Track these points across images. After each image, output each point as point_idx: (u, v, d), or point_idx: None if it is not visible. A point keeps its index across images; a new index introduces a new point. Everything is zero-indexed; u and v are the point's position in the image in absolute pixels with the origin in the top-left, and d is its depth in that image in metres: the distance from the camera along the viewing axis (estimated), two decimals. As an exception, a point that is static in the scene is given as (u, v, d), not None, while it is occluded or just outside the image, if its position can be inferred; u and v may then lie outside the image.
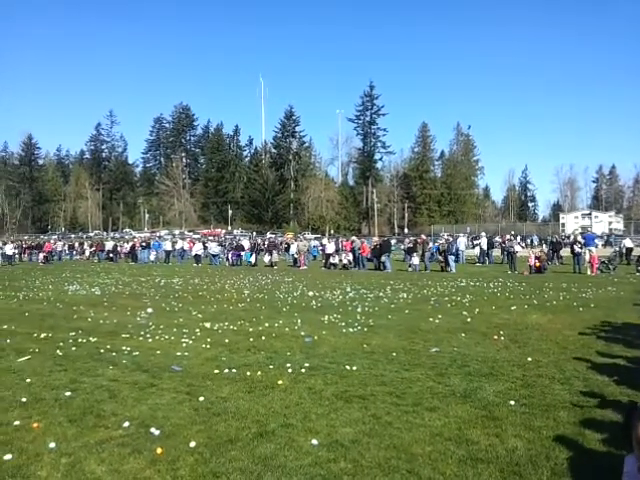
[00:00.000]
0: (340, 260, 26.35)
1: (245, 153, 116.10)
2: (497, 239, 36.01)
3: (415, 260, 24.43)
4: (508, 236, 36.65)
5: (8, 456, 3.77)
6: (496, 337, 8.00)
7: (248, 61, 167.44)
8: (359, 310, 11.01)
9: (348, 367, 6.20)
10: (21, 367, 6.45)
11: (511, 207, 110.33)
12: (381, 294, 14.05)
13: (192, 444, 3.96)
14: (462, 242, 30.71)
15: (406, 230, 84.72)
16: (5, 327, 9.40)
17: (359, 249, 25.92)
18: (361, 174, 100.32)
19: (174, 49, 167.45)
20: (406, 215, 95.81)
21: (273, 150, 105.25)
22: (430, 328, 8.91)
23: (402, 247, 32.80)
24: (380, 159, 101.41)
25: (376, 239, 31.40)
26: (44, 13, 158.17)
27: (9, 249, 35.03)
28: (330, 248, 27.80)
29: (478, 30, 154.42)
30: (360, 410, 4.75)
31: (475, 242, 35.28)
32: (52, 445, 3.96)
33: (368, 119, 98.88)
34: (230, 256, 31.21)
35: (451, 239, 32.03)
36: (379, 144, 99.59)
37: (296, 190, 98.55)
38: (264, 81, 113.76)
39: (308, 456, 3.78)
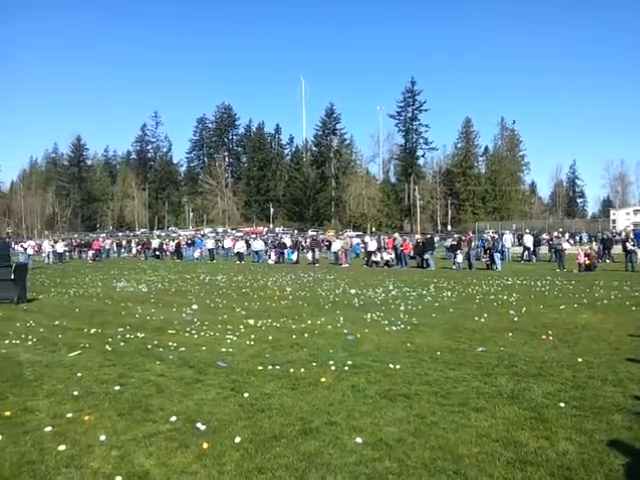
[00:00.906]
0: (382, 258, 26.18)
1: (286, 151, 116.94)
2: (544, 236, 35.03)
3: (459, 258, 24.03)
4: (556, 233, 35.56)
5: (62, 447, 3.91)
6: (544, 337, 7.78)
7: (288, 60, 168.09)
8: (402, 308, 10.90)
9: (392, 365, 6.14)
10: (72, 361, 6.67)
11: (558, 203, 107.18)
12: (424, 292, 13.89)
13: (237, 440, 4.00)
14: (508, 239, 30.01)
15: (449, 227, 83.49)
16: (57, 323, 9.73)
17: (401, 246, 25.69)
18: (403, 171, 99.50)
19: (216, 50, 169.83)
20: (449, 212, 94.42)
21: (314, 148, 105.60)
22: (475, 327, 8.74)
23: (445, 244, 32.30)
24: (422, 155, 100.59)
25: (418, 236, 31.00)
26: (92, 16, 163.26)
27: (60, 247, 36.35)
28: (372, 246, 27.64)
29: (522, 25, 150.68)
30: (404, 409, 4.70)
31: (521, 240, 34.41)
32: (102, 438, 4.08)
33: (410, 115, 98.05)
34: (273, 254, 31.47)
35: (496, 236, 31.36)
36: (421, 140, 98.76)
37: (337, 188, 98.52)
38: (304, 80, 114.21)
39: (352, 454, 3.77)
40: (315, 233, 68.89)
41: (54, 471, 3.55)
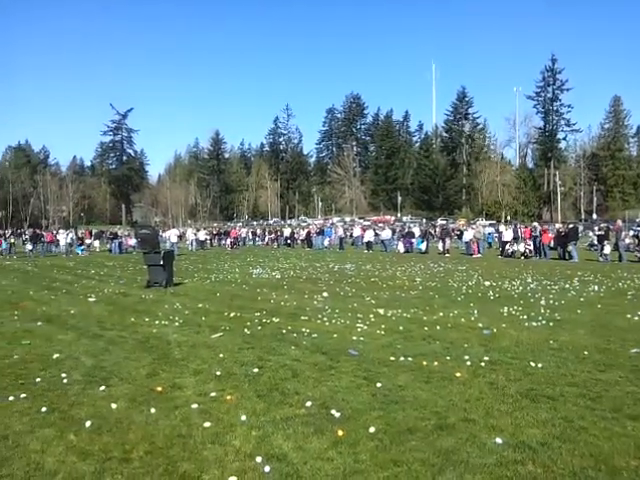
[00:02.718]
0: (519, 248, 24.79)
1: (415, 139, 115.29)
2: None
3: (607, 249, 21.99)
4: None
5: (207, 424, 4.16)
6: None
7: (416, 45, 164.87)
8: (543, 303, 10.20)
9: (533, 364, 5.76)
10: (215, 343, 7.10)
11: None
12: (567, 286, 12.89)
13: (371, 429, 3.98)
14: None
15: (594, 216, 76.70)
16: (200, 306, 10.45)
17: (540, 236, 24.11)
18: (542, 155, 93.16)
19: (343, 40, 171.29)
20: (594, 199, 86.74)
21: (444, 134, 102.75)
22: (628, 326, 7.93)
23: (591, 234, 29.80)
24: (564, 138, 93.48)
25: (560, 225, 28.89)
26: (233, 17, 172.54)
27: (202, 235, 39.12)
28: (507, 235, 26.25)
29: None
30: (549, 411, 4.37)
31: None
32: (243, 418, 4.28)
33: (550, 95, 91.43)
34: (401, 243, 31.19)
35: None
36: (562, 122, 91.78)
37: (469, 174, 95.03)
38: (435, 64, 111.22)
39: (492, 454, 3.58)
40: (445, 222, 67.21)
41: (201, 446, 3.79)
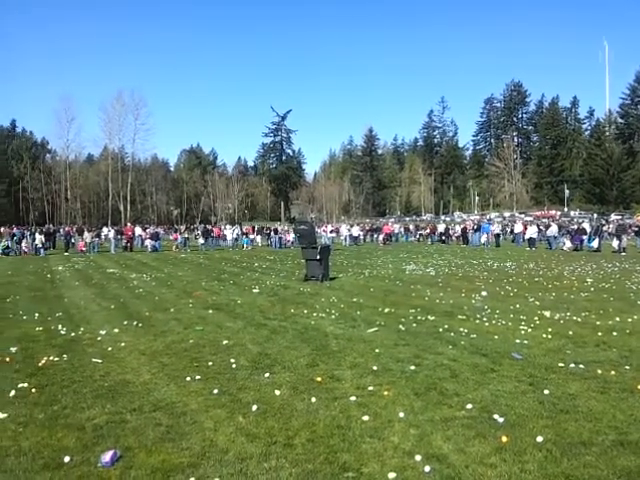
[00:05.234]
0: None
1: (584, 126, 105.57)
2: None
3: None
4: None
5: (365, 417, 4.21)
6: None
7: (585, 23, 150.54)
8: None
9: None
10: (370, 338, 7.16)
11: None
12: None
13: (539, 439, 3.72)
14: None
15: None
16: (355, 300, 10.62)
17: None
18: None
19: (501, 26, 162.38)
20: None
21: (619, 120, 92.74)
22: None
23: None
24: None
25: None
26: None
27: (355, 231, 39.84)
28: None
29: None
30: None
31: None
32: (401, 414, 4.25)
33: None
34: (568, 240, 28.78)
35: None
36: None
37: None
38: (608, 44, 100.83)
39: (687, 483, 3.13)
40: (620, 217, 60.75)
41: (360, 439, 3.84)
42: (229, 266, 20.16)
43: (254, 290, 12.46)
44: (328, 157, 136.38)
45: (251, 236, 38.25)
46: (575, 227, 32.50)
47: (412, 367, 5.61)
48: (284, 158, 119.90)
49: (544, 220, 56.92)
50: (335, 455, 3.59)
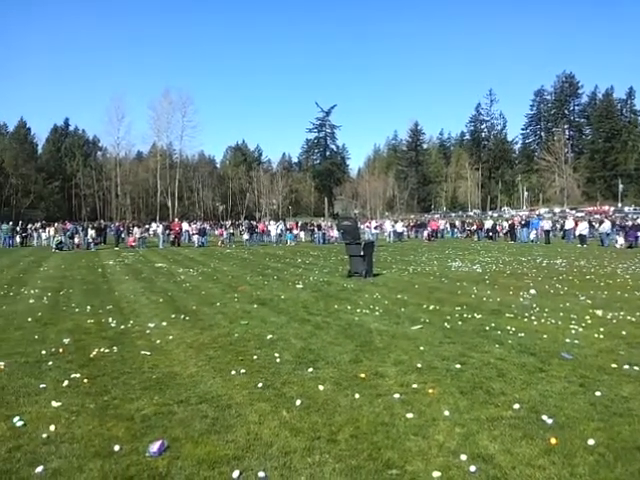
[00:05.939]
0: None
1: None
2: None
3: None
4: None
5: (410, 415, 4.17)
6: None
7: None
8: None
9: None
10: (415, 335, 7.08)
11: None
12: None
13: (590, 442, 3.60)
14: None
15: None
16: (399, 297, 10.52)
17: None
18: None
19: (551, 17, 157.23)
20: None
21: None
22: None
23: None
24: None
25: None
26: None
27: (399, 227, 39.50)
28: None
29: None
30: None
31: None
32: (446, 413, 4.19)
33: None
34: (622, 237, 27.71)
35: None
36: None
37: None
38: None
39: None
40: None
41: (404, 436, 3.81)
42: (273, 261, 20.35)
43: (298, 285, 12.54)
44: (372, 152, 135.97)
45: (295, 232, 38.50)
46: (629, 223, 31.18)
47: (457, 365, 5.52)
48: (328, 154, 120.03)
49: (596, 216, 54.96)
50: (379, 452, 3.57)
